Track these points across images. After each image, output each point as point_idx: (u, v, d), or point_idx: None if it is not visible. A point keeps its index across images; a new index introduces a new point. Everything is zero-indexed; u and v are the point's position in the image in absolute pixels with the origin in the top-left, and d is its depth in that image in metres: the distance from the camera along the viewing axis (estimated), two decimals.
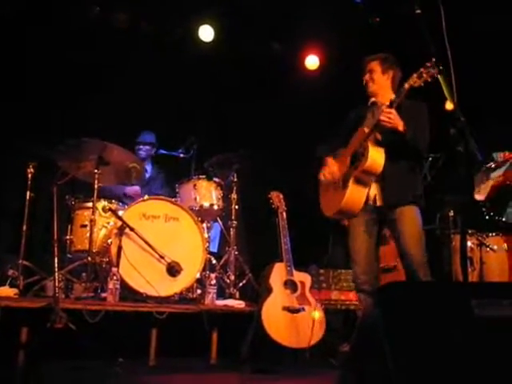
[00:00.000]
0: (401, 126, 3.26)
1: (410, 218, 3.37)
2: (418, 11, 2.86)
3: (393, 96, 3.40)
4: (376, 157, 3.30)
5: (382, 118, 3.24)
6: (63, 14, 5.39)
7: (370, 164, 3.28)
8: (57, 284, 3.42)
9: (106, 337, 3.53)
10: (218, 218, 5.13)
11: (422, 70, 3.13)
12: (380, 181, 3.39)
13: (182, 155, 5.39)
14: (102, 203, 4.52)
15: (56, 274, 3.49)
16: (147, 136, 5.53)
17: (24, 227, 4.37)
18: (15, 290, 3.92)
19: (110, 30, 5.62)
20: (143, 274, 4.01)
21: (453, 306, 1.52)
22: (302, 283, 4.13)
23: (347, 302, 4.47)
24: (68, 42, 5.43)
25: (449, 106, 3.10)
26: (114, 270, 3.91)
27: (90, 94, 5.59)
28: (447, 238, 5.13)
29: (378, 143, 3.34)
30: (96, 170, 4.30)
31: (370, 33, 5.30)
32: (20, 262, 4.23)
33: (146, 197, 4.38)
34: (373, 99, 3.64)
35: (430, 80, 3.09)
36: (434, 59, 3.02)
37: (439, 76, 2.68)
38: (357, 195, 3.37)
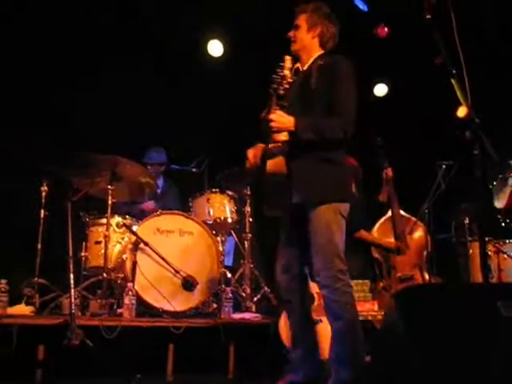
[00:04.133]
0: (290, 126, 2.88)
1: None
2: (428, 16, 2.85)
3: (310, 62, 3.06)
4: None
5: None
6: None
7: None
8: (73, 301, 3.41)
9: (123, 353, 3.50)
10: (232, 232, 5.11)
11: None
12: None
13: (194, 169, 5.38)
14: (116, 219, 4.52)
15: (72, 290, 3.48)
16: (154, 155, 5.46)
17: (39, 245, 4.38)
18: (31, 308, 3.92)
19: (121, 46, 5.65)
20: (159, 288, 4.00)
21: (479, 307, 1.49)
22: (319, 294, 4.08)
23: (364, 313, 4.40)
24: (77, 58, 5.49)
25: (461, 112, 3.08)
26: (130, 285, 3.90)
27: (101, 110, 5.62)
28: (463, 246, 5.09)
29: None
30: (109, 186, 4.31)
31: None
32: (35, 279, 4.23)
33: (160, 211, 4.38)
34: (296, 64, 3.15)
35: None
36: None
37: (453, 80, 2.65)
38: None
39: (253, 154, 3.13)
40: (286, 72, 2.92)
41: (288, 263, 3.16)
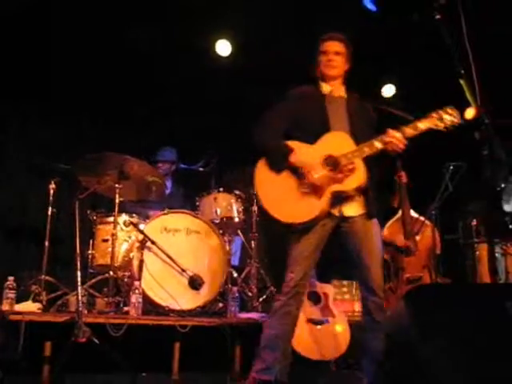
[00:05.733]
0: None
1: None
2: (438, 17, 2.84)
3: (343, 91, 3.31)
4: (364, 174, 3.10)
5: (392, 148, 3.08)
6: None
7: (362, 183, 3.08)
8: (80, 298, 3.42)
9: (129, 351, 3.51)
10: (239, 231, 5.11)
11: (441, 112, 3.06)
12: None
13: (201, 169, 5.39)
14: (124, 217, 4.54)
15: (79, 288, 3.49)
16: (167, 153, 5.52)
17: (46, 243, 4.40)
18: (39, 305, 3.93)
19: (128, 46, 5.66)
20: (165, 287, 4.01)
21: (487, 307, 1.49)
22: (326, 295, 4.09)
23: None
24: (88, 61, 5.50)
25: (468, 114, 3.08)
26: (137, 283, 3.91)
27: (110, 108, 5.64)
28: (471, 247, 5.08)
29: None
30: (117, 185, 4.32)
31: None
32: (43, 277, 4.25)
33: (167, 210, 4.39)
34: (328, 88, 3.32)
35: (449, 130, 3.03)
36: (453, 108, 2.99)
37: (461, 80, 2.65)
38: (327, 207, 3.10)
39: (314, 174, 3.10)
40: None
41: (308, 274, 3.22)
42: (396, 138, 3.07)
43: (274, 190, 3.15)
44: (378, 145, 3.08)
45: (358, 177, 3.06)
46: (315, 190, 3.07)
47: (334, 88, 3.32)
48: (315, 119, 3.20)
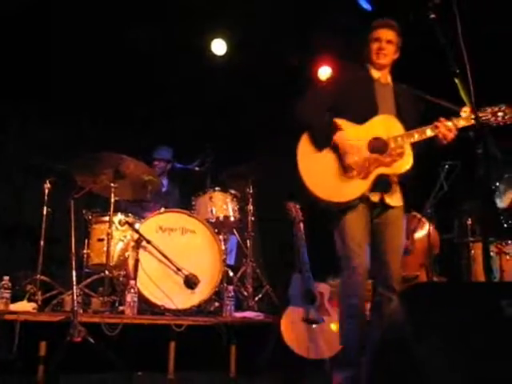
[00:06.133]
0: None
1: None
2: (433, 16, 2.84)
3: (390, 80, 3.28)
4: (411, 160, 3.06)
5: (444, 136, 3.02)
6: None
7: (409, 168, 3.04)
8: (75, 298, 3.41)
9: (125, 350, 3.50)
10: (235, 230, 5.11)
11: (496, 109, 2.91)
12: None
13: (197, 168, 5.39)
14: (119, 217, 4.53)
15: (74, 288, 3.48)
16: (163, 152, 5.55)
17: (41, 242, 4.39)
18: (34, 305, 3.92)
19: (128, 46, 5.66)
20: (161, 286, 4.01)
21: (482, 306, 1.49)
22: (321, 294, 4.09)
23: (366, 313, 4.40)
24: (87, 61, 5.50)
25: (463, 112, 3.08)
26: (132, 282, 3.90)
27: (105, 108, 5.63)
28: (466, 246, 5.08)
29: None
30: (112, 184, 4.31)
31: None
32: (38, 276, 4.24)
33: (163, 209, 4.38)
34: (377, 74, 3.30)
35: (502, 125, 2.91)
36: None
37: (456, 80, 2.65)
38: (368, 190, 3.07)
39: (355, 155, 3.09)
40: None
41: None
42: (448, 127, 3.01)
43: (316, 166, 3.14)
44: (428, 132, 3.04)
45: (407, 161, 3.02)
46: (359, 170, 3.04)
47: (382, 75, 3.29)
48: (363, 101, 3.18)
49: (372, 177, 3.02)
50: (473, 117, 2.62)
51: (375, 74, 3.29)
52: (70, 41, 5.32)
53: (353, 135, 3.10)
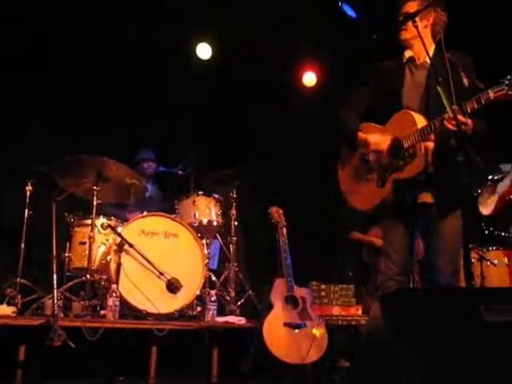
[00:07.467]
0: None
1: None
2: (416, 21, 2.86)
3: (427, 55, 2.84)
4: (423, 158, 2.87)
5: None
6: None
7: (421, 169, 2.87)
8: (55, 302, 3.38)
9: (106, 355, 3.48)
10: (218, 235, 5.10)
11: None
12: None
13: (180, 172, 5.37)
14: (101, 220, 4.50)
15: (55, 291, 3.45)
16: (150, 152, 5.56)
17: (22, 245, 4.35)
18: (13, 309, 3.88)
19: (108, 46, 5.64)
20: (143, 290, 3.98)
21: (461, 311, 1.50)
22: (303, 299, 4.09)
23: (348, 318, 4.42)
24: (62, 63, 5.48)
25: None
26: (114, 286, 3.87)
27: (87, 111, 5.60)
28: None
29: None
30: (95, 187, 4.29)
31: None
32: (18, 280, 4.20)
33: (146, 213, 4.36)
34: (409, 53, 3.08)
35: None
36: None
37: (438, 87, 2.67)
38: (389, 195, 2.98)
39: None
40: None
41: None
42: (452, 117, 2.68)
43: (349, 174, 3.16)
44: (436, 123, 2.80)
45: (419, 161, 2.86)
46: (378, 177, 3.01)
47: (415, 52, 3.06)
48: (389, 97, 3.04)
49: (389, 183, 2.97)
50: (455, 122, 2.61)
51: (407, 53, 3.09)
52: (61, 42, 5.31)
53: (375, 138, 3.04)
